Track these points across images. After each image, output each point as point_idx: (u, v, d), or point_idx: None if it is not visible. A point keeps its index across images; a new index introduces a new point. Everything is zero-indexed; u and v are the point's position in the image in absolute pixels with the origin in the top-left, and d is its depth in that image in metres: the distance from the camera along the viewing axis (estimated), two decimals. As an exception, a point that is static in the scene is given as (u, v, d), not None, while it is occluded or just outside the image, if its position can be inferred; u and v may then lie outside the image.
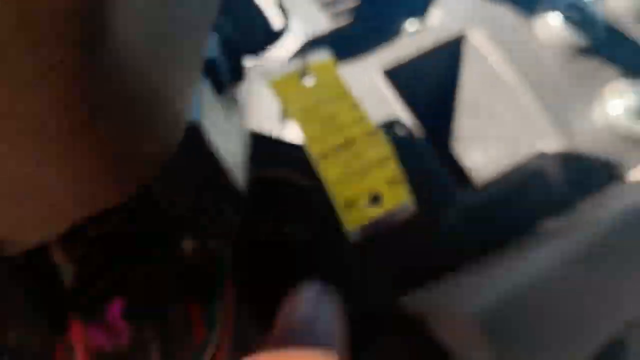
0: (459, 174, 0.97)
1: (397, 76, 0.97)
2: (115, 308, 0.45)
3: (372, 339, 0.87)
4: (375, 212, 0.69)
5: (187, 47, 0.26)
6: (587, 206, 0.91)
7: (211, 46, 0.56)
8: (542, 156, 0.94)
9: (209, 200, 0.49)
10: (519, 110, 0.95)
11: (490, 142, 1.01)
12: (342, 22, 0.96)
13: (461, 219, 0.89)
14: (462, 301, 0.79)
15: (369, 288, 0.86)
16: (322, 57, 0.74)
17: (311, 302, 0.37)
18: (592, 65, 0.95)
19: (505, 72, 0.95)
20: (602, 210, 0.87)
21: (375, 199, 0.69)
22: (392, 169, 0.70)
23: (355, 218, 0.68)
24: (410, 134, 0.90)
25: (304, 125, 0.69)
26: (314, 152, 0.68)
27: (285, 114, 0.70)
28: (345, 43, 0.97)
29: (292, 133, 0.80)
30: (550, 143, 0.92)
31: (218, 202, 0.50)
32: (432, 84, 1.03)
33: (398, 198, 0.70)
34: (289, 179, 0.79)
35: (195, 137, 0.41)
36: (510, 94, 0.95)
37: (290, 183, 0.79)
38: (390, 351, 0.82)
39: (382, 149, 0.71)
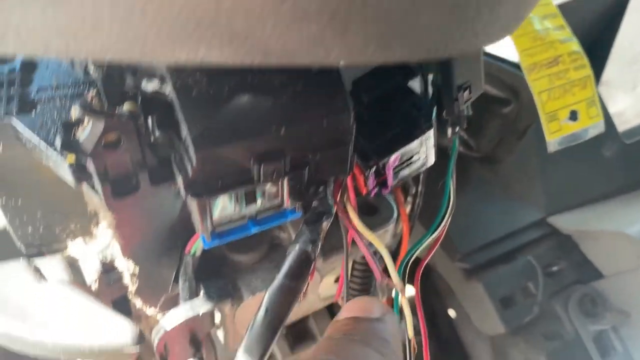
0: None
1: (568, 11, 0.99)
2: (393, 161, 0.52)
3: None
4: (572, 127, 0.74)
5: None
6: None
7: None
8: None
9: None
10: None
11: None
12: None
13: (619, 153, 0.93)
14: (618, 224, 0.85)
15: (526, 204, 0.92)
16: (534, -25, 0.77)
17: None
18: None
19: (675, 17, 0.97)
20: None
21: (573, 115, 0.74)
22: (591, 89, 0.75)
23: (555, 130, 0.73)
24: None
25: (516, 38, 0.73)
26: (524, 63, 0.72)
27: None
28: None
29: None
30: None
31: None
32: (594, 25, 1.05)
33: (593, 117, 0.75)
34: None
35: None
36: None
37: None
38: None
39: (584, 70, 0.75)
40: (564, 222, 0.90)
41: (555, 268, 0.91)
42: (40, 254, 0.58)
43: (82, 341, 0.42)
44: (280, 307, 0.44)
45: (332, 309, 0.73)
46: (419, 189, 0.76)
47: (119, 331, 0.43)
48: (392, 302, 1.01)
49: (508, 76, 0.78)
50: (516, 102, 0.80)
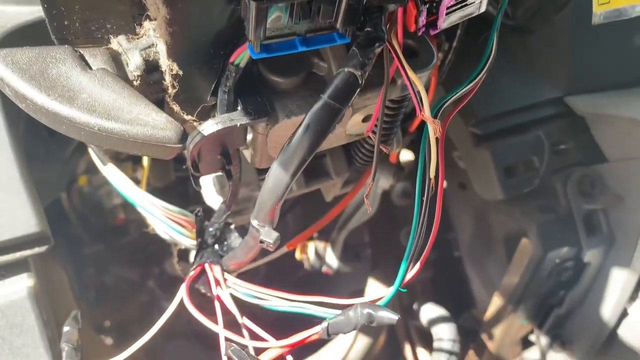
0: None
1: None
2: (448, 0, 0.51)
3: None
4: (621, 2, 0.72)
5: None
6: None
7: None
8: None
9: None
10: None
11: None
12: None
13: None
14: (634, 112, 0.86)
15: (547, 80, 0.92)
16: None
17: None
18: None
19: None
20: None
21: (624, -9, 0.72)
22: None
23: (604, 2, 0.71)
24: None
25: None
26: None
27: None
28: None
29: None
30: None
31: None
32: None
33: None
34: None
35: None
36: None
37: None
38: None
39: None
40: (581, 103, 0.91)
41: (562, 146, 0.93)
42: (72, 50, 0.57)
43: (127, 130, 0.43)
44: (321, 125, 0.45)
45: (348, 151, 0.75)
46: (454, 44, 0.75)
47: (163, 126, 0.43)
48: (398, 162, 1.03)
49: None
50: (565, -31, 0.77)
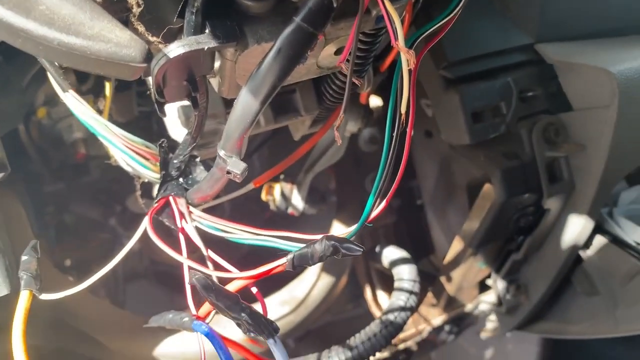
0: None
1: None
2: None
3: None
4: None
5: None
6: None
7: None
8: None
9: None
10: None
11: None
12: None
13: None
14: (603, 61, 0.87)
15: (519, 26, 0.91)
16: None
17: None
18: None
19: None
20: None
21: None
22: None
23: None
24: None
25: None
26: None
27: None
28: None
29: None
30: None
31: None
32: None
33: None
34: None
35: None
36: None
37: None
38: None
39: None
40: (551, 51, 0.91)
41: (530, 94, 0.93)
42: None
43: (89, 46, 0.41)
44: (292, 50, 0.44)
45: (318, 88, 0.74)
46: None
47: (127, 44, 0.41)
48: (367, 105, 1.02)
49: None
50: None
